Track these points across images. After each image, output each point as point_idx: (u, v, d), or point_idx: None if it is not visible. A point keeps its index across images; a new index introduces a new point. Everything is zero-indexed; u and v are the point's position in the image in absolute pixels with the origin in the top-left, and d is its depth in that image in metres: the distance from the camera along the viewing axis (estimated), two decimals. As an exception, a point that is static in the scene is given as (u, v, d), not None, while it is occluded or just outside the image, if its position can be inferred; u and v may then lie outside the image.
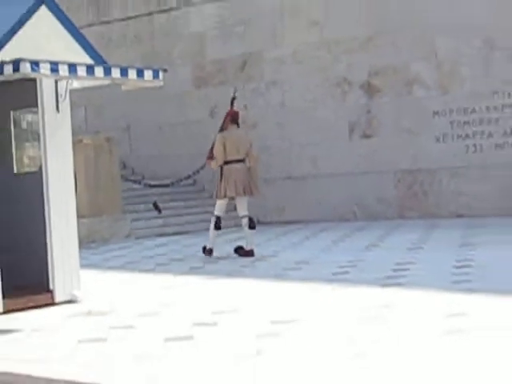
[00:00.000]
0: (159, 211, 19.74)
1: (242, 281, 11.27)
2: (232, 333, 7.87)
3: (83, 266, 10.92)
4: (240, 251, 13.89)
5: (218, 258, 13.96)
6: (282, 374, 6.15)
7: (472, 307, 8.26)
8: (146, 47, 22.34)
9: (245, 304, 9.38)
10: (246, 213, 13.83)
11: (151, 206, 19.94)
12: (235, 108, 14.21)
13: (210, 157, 14.02)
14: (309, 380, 5.97)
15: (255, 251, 13.77)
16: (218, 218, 13.82)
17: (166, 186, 20.57)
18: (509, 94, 17.92)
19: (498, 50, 17.99)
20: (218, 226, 13.85)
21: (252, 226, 13.82)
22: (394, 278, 10.46)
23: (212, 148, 13.92)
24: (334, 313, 8.47)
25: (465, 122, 18.48)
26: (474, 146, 18.36)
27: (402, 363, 6.30)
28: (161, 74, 10.23)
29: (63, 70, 9.13)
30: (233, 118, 13.99)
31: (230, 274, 12.00)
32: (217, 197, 13.89)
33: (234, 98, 14.39)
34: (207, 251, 13.95)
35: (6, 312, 9.47)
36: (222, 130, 13.96)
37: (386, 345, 7.01)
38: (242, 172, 13.61)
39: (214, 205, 14.33)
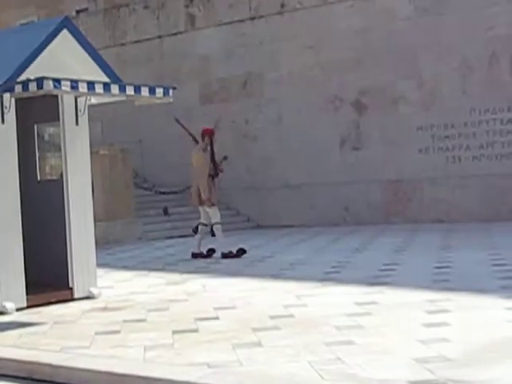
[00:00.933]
0: (168, 214, 19.91)
1: (243, 279, 11.29)
2: (230, 326, 7.93)
3: (99, 265, 10.95)
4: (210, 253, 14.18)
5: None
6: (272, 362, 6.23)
7: (450, 299, 8.36)
8: (156, 67, 22.39)
9: (244, 301, 9.43)
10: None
11: (162, 210, 20.07)
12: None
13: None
14: (297, 361, 6.06)
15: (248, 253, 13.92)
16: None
17: (175, 192, 20.63)
18: (484, 111, 17.97)
19: (475, 71, 18.05)
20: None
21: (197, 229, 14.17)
22: (380, 277, 10.51)
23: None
24: (326, 308, 8.53)
25: (445, 136, 18.54)
26: (453, 157, 18.42)
27: (385, 341, 6.40)
28: (171, 92, 10.27)
29: (82, 88, 9.16)
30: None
31: (233, 273, 12.03)
32: (214, 204, 13.96)
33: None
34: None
35: (29, 307, 9.52)
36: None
37: (371, 330, 7.12)
38: None
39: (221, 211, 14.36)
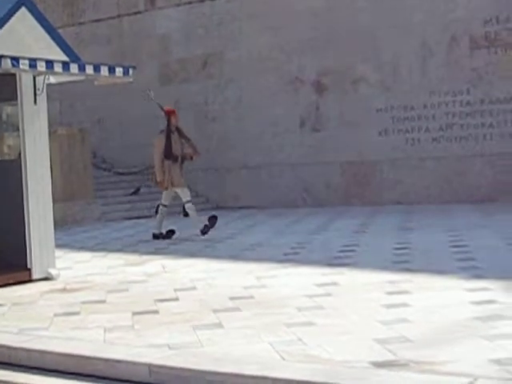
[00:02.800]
0: (135, 193, 19.93)
1: (203, 260, 11.28)
2: (191, 307, 7.91)
3: (58, 246, 10.90)
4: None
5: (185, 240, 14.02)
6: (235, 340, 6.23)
7: (409, 281, 8.42)
8: (115, 47, 22.27)
9: (204, 282, 9.43)
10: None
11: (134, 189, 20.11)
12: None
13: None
14: (258, 342, 6.06)
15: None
16: None
17: (134, 173, 20.59)
18: (444, 93, 18.07)
19: (435, 53, 18.13)
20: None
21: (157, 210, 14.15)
22: (340, 259, 10.56)
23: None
24: (285, 289, 8.55)
25: (404, 118, 18.62)
26: (413, 139, 18.51)
27: (346, 322, 6.43)
28: (131, 71, 10.24)
29: (41, 66, 9.12)
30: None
31: (193, 254, 12.01)
32: (166, 188, 13.93)
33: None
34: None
35: (-13, 288, 9.49)
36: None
37: (331, 311, 7.15)
38: None
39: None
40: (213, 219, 13.77)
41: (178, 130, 13.89)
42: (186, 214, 13.94)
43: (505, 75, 17.41)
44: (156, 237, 14.08)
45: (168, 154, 13.62)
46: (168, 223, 14.51)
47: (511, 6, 17.27)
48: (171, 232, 14.22)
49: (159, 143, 13.75)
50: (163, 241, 13.99)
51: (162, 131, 13.94)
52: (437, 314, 6.86)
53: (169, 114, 13.88)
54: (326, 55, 19.42)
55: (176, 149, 13.73)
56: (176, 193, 13.99)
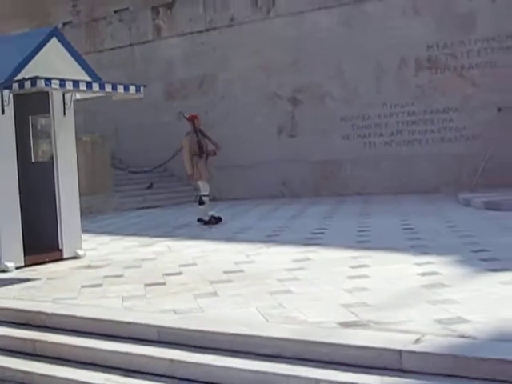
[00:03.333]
0: (150, 188, 20.09)
1: (201, 242, 11.24)
2: (192, 279, 7.90)
3: (84, 231, 10.85)
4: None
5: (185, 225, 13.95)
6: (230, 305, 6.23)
7: (369, 257, 8.42)
8: (128, 69, 22.19)
9: (203, 259, 9.42)
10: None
11: (148, 184, 20.27)
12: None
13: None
14: (247, 307, 6.06)
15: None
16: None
17: (145, 172, 20.57)
18: (394, 105, 18.09)
19: (387, 73, 18.15)
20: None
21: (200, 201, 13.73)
22: (313, 239, 10.54)
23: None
24: (269, 264, 8.54)
25: (363, 126, 18.61)
26: (369, 143, 18.52)
27: (318, 290, 6.42)
28: (141, 89, 10.19)
29: (69, 85, 9.08)
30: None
31: (193, 237, 11.98)
32: (197, 180, 13.65)
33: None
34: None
35: (26, 266, 9.47)
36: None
37: (306, 281, 7.15)
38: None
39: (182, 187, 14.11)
40: (217, 219, 13.66)
41: (201, 131, 13.70)
42: (201, 203, 13.73)
43: (443, 91, 17.44)
44: (203, 222, 13.55)
45: (195, 150, 13.51)
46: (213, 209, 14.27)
47: (447, 36, 17.28)
48: (218, 218, 13.73)
49: (186, 143, 13.54)
50: (171, 226, 13.95)
51: (187, 133, 13.63)
52: (391, 284, 6.87)
53: (192, 119, 13.71)
54: (299, 75, 19.41)
55: (201, 146, 13.58)
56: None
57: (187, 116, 13.88)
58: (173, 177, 21.02)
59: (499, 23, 16.41)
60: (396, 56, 17.98)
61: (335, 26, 18.88)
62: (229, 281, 7.65)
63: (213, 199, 14.00)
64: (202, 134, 13.62)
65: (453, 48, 17.33)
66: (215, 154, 13.67)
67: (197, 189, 14.36)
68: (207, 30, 21.19)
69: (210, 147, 13.63)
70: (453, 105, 17.36)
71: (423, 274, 7.20)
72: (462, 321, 5.28)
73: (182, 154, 14.01)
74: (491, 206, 12.84)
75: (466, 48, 17.17)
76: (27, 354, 6.37)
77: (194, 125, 13.54)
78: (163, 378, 5.41)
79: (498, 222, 10.90)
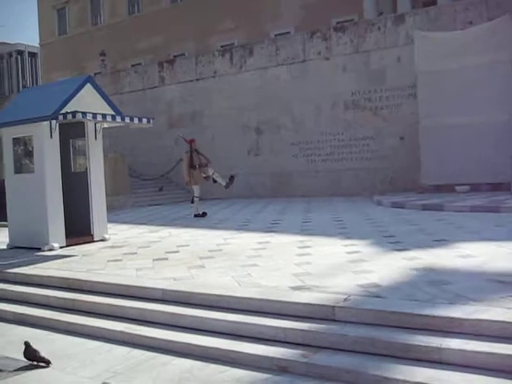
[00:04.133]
0: (161, 190, 20.02)
1: (192, 229, 11.15)
2: (186, 256, 7.86)
3: (109, 221, 10.71)
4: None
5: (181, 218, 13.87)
6: (213, 275, 6.19)
7: (311, 240, 8.42)
8: (141, 106, 22.04)
9: (194, 242, 9.37)
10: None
11: (159, 188, 20.15)
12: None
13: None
14: (225, 276, 6.03)
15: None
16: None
17: (152, 179, 20.43)
18: (328, 134, 18.17)
19: (324, 111, 18.23)
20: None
21: (192, 200, 13.65)
22: (271, 228, 10.52)
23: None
24: (240, 245, 8.51)
25: (307, 148, 18.67)
26: (311, 160, 18.57)
27: (275, 264, 6.42)
28: (151, 121, 10.14)
29: (99, 117, 9.03)
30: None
31: (186, 226, 11.92)
32: (194, 184, 13.39)
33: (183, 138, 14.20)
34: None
35: (67, 246, 9.34)
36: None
37: (267, 258, 7.13)
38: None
39: (179, 190, 13.95)
40: (204, 214, 13.58)
41: (196, 150, 13.57)
42: (193, 202, 13.68)
43: (362, 124, 17.54)
44: (196, 216, 13.36)
45: (191, 164, 13.41)
46: (202, 206, 14.26)
47: (366, 86, 17.40)
48: (205, 213, 13.58)
49: (185, 159, 13.43)
50: (171, 218, 13.86)
51: (186, 151, 13.50)
52: (326, 259, 6.88)
53: (190, 141, 13.62)
54: (262, 112, 19.43)
55: (195, 161, 13.40)
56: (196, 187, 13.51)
57: (187, 139, 13.83)
58: (172, 183, 20.91)
59: (403, 77, 16.56)
60: (330, 100, 18.07)
61: (288, 78, 18.92)
62: (212, 257, 7.61)
63: (201, 199, 13.88)
64: (198, 152, 13.58)
65: (369, 94, 17.45)
66: (207, 165, 13.63)
67: (190, 192, 14.27)
68: (197, 80, 21.11)
69: (203, 162, 13.60)
70: (369, 134, 17.48)
71: (349, 253, 7.23)
72: (376, 285, 5.31)
73: (182, 166, 13.95)
74: (397, 205, 12.94)
75: (378, 95, 17.30)
76: (68, 309, 6.28)
77: (191, 146, 13.49)
78: (166, 326, 5.37)
79: (401, 217, 10.99)
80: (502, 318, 4.12)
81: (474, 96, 13.96)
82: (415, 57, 15.01)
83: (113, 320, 5.75)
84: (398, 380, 3.81)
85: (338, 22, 22.81)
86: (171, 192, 20.21)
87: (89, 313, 6.05)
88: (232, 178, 13.86)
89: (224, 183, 13.63)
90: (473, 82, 13.97)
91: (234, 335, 4.93)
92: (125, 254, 8.42)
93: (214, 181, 13.66)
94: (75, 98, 9.23)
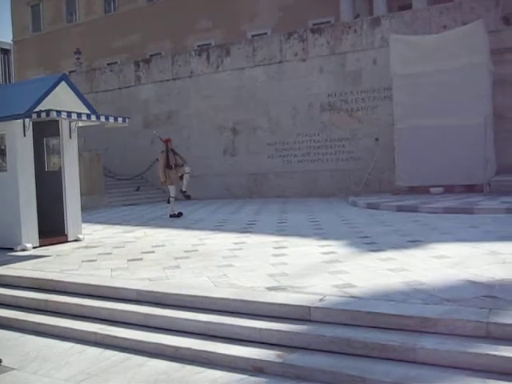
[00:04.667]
0: (137, 190, 19.81)
1: (167, 229, 11.09)
2: (161, 256, 7.80)
3: (83, 221, 10.60)
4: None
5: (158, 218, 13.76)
6: (189, 275, 6.15)
7: (287, 241, 8.43)
8: (117, 106, 21.83)
9: (169, 242, 9.31)
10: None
11: (136, 187, 19.93)
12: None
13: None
14: (201, 276, 5.99)
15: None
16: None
17: (127, 179, 20.26)
18: (304, 135, 18.22)
19: (300, 113, 18.29)
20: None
21: (168, 201, 13.54)
22: (247, 228, 10.52)
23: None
24: (216, 246, 8.48)
25: (283, 149, 18.68)
26: (287, 161, 18.60)
27: (251, 264, 6.41)
28: (127, 120, 10.04)
29: (74, 116, 8.92)
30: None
31: (162, 226, 11.83)
32: (169, 185, 13.24)
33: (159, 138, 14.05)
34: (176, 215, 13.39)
35: (41, 246, 9.21)
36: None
37: (243, 258, 7.11)
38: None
39: (154, 190, 13.83)
40: (180, 214, 13.49)
41: (173, 150, 13.44)
42: (169, 202, 13.57)
43: (338, 126, 17.64)
44: (171, 216, 13.29)
45: (167, 164, 13.30)
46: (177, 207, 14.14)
47: (342, 88, 17.49)
48: (180, 213, 13.55)
49: (161, 159, 13.32)
50: (147, 217, 13.76)
51: (162, 151, 13.35)
52: (302, 260, 6.90)
53: (166, 141, 13.49)
54: (238, 113, 19.40)
55: (171, 161, 13.31)
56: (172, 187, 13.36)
57: (163, 139, 13.71)
58: (148, 183, 20.76)
59: (378, 79, 16.69)
60: (306, 101, 18.13)
61: (265, 78, 18.93)
62: (188, 257, 7.57)
63: (176, 199, 13.80)
64: (174, 152, 13.47)
65: (345, 96, 17.55)
66: (183, 165, 13.54)
67: (166, 192, 14.16)
68: (174, 79, 20.98)
69: (179, 162, 13.50)
70: (345, 135, 17.58)
71: (324, 253, 7.24)
72: (351, 286, 5.33)
73: (157, 166, 13.82)
74: (371, 206, 13.03)
75: (354, 96, 17.41)
76: (41, 310, 6.19)
77: (167, 145, 13.38)
78: (140, 327, 5.32)
79: (375, 218, 11.07)
80: (475, 318, 4.17)
81: (448, 99, 14.13)
82: (391, 59, 15.13)
83: (86, 321, 5.68)
84: (373, 380, 3.83)
85: (314, 24, 22.90)
86: (147, 192, 20.07)
87: (62, 314, 5.97)
88: (138, 188, 13.60)
89: (185, 189, 13.38)
90: (448, 85, 14.14)
91: (210, 336, 4.90)
92: (99, 254, 8.32)
93: (181, 177, 13.51)
94: (49, 96, 9.09)
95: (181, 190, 13.47)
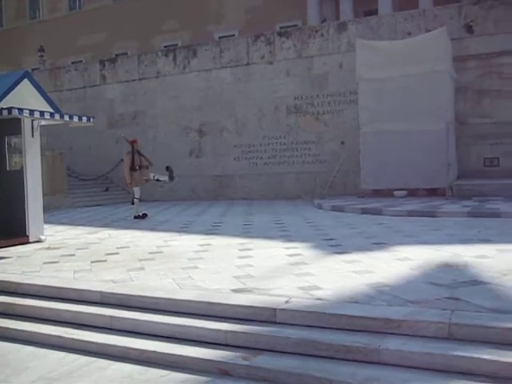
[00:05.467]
0: (106, 190, 19.64)
1: (132, 231, 10.97)
2: (125, 258, 7.71)
3: (45, 222, 10.41)
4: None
5: (121, 219, 13.60)
6: (154, 277, 6.10)
7: (252, 243, 8.42)
8: (81, 105, 21.52)
9: (133, 243, 9.21)
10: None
11: (105, 188, 19.83)
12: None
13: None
14: (166, 278, 5.95)
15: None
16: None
17: (91, 179, 20.00)
18: (271, 137, 18.29)
19: (266, 115, 18.34)
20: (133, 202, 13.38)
21: (132, 202, 13.38)
22: (212, 230, 10.48)
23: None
24: (181, 248, 8.44)
25: (249, 151, 18.72)
26: (253, 163, 18.63)
27: (216, 266, 6.39)
28: (91, 119, 9.93)
29: (36, 114, 8.82)
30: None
31: (126, 227, 11.71)
32: (134, 186, 13.10)
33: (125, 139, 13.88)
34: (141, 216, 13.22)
35: (1, 247, 9.00)
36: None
37: (208, 260, 7.08)
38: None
39: (119, 191, 13.68)
40: (144, 215, 13.36)
41: (138, 151, 13.30)
42: (133, 203, 13.40)
43: (304, 129, 17.77)
44: (136, 217, 13.10)
45: (132, 166, 13.12)
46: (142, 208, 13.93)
47: (308, 91, 17.63)
48: (145, 214, 13.39)
49: (126, 159, 13.15)
50: (111, 219, 13.58)
51: (128, 152, 13.21)
52: (267, 262, 6.90)
53: (132, 142, 13.32)
54: (205, 114, 19.36)
55: (136, 162, 13.14)
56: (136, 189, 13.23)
57: (129, 140, 13.55)
58: (112, 184, 20.52)
59: (344, 83, 16.87)
60: (273, 103, 18.21)
61: (232, 80, 18.94)
62: (152, 259, 7.51)
63: (141, 201, 13.66)
64: (139, 153, 13.33)
65: (311, 99, 17.69)
66: (147, 167, 13.42)
67: (130, 193, 14.03)
68: (140, 79, 20.80)
69: (144, 163, 13.37)
70: (311, 138, 17.71)
71: (290, 255, 7.27)
72: (317, 288, 5.36)
73: (123, 166, 13.65)
74: (336, 209, 13.14)
75: (320, 100, 17.56)
76: (1, 313, 6.04)
77: (133, 146, 13.23)
78: (104, 330, 5.25)
79: (340, 220, 11.16)
80: (437, 319, 4.24)
81: (412, 104, 14.36)
82: (357, 64, 15.30)
83: (49, 324, 5.57)
84: (339, 381, 3.85)
85: (281, 27, 23.04)
86: (111, 193, 19.83)
87: (23, 317, 5.84)
88: (168, 167, 13.48)
89: (167, 178, 13.34)
90: (412, 91, 14.37)
91: (175, 338, 4.87)
92: (62, 255, 8.18)
93: (158, 180, 13.46)
94: (11, 93, 8.93)
95: (166, 168, 13.28)
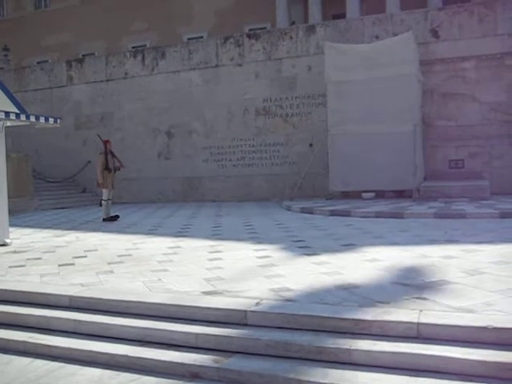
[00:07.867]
0: (84, 192, 19.48)
1: (100, 233, 10.85)
2: (94, 261, 7.62)
3: (11, 225, 10.23)
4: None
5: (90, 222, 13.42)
6: (122, 280, 6.04)
7: (222, 245, 8.41)
8: (48, 106, 21.17)
9: (102, 246, 9.10)
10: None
11: (82, 189, 19.62)
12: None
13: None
14: (135, 281, 5.89)
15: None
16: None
17: (58, 182, 19.69)
18: (240, 139, 18.30)
19: (235, 117, 18.34)
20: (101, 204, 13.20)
21: (100, 203, 13.28)
22: (182, 232, 10.43)
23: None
24: (151, 250, 8.37)
25: (218, 153, 18.69)
26: (222, 165, 18.61)
27: (186, 269, 6.36)
28: (58, 120, 9.78)
29: (1, 115, 8.61)
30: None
31: (94, 230, 11.57)
32: (104, 188, 12.91)
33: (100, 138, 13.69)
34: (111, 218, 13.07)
35: (-36, 250, 8.80)
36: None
37: (178, 263, 7.04)
38: None
39: (86, 193, 13.50)
40: (115, 217, 13.21)
41: (111, 152, 13.13)
42: (101, 205, 13.21)
43: (273, 131, 17.83)
44: (104, 220, 12.94)
45: (105, 166, 12.94)
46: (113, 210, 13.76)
47: (277, 93, 17.69)
48: (117, 216, 13.27)
49: (99, 160, 12.95)
50: (78, 222, 13.39)
51: (100, 153, 13.00)
52: (237, 264, 6.90)
53: (105, 142, 13.11)
54: (173, 116, 19.26)
55: (110, 164, 12.95)
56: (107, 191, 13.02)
57: (103, 139, 13.38)
58: (79, 186, 20.25)
59: (313, 85, 16.98)
60: (241, 105, 18.22)
61: (200, 82, 18.90)
62: (121, 262, 7.43)
63: (113, 203, 13.51)
64: (112, 154, 13.18)
65: (280, 101, 17.76)
66: (119, 169, 13.28)
67: (99, 194, 13.86)
68: (107, 81, 20.58)
69: (117, 164, 13.22)
70: (279, 140, 17.78)
71: (260, 257, 7.28)
72: (287, 289, 5.38)
73: (95, 167, 13.44)
74: (305, 211, 13.21)
75: (289, 102, 17.64)
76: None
77: (106, 147, 13.06)
78: (73, 335, 5.17)
79: (309, 222, 11.23)
80: (406, 319, 4.29)
81: (380, 107, 14.53)
82: (325, 66, 15.41)
83: (14, 329, 5.45)
84: (310, 382, 3.87)
85: (250, 30, 23.08)
86: (79, 195, 19.58)
87: (-12, 322, 5.71)
88: (116, 217, 13.31)
89: (106, 216, 13.05)
90: (379, 94, 14.54)
91: (145, 342, 4.82)
92: (28, 259, 8.04)
93: (100, 204, 13.24)
94: (-25, 94, 8.75)
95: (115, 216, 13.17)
